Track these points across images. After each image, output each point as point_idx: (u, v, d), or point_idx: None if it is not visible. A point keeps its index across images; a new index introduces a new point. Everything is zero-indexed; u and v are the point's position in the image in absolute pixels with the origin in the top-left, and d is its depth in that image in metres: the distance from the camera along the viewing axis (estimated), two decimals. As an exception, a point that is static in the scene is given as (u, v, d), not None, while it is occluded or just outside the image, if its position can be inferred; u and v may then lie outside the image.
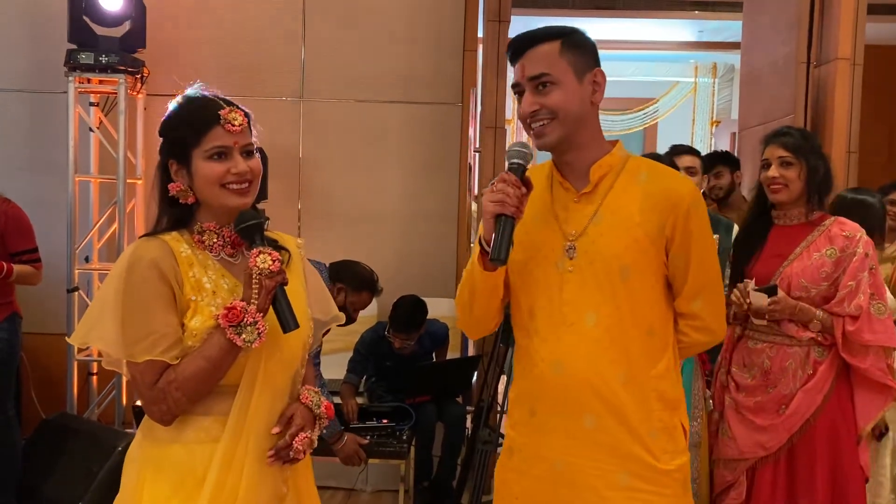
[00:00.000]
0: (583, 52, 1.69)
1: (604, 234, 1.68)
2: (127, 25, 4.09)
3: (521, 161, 1.63)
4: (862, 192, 3.19)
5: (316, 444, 1.67)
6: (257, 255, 1.52)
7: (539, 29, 1.70)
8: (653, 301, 1.70)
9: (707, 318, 1.74)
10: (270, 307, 1.54)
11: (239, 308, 1.50)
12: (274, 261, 1.52)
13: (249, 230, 1.57)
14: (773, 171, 2.53)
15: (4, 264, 3.39)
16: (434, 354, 4.07)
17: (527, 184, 1.63)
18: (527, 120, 1.69)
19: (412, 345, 3.80)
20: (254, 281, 1.52)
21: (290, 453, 1.60)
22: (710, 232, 1.74)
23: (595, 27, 8.39)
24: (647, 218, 1.67)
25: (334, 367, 3.87)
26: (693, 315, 1.73)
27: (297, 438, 1.60)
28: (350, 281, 3.37)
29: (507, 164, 1.65)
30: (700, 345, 1.81)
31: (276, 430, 1.59)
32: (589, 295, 1.67)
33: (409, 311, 3.77)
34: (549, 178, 1.78)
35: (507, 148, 1.64)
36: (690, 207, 1.68)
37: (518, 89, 1.71)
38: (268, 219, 1.70)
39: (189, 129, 1.57)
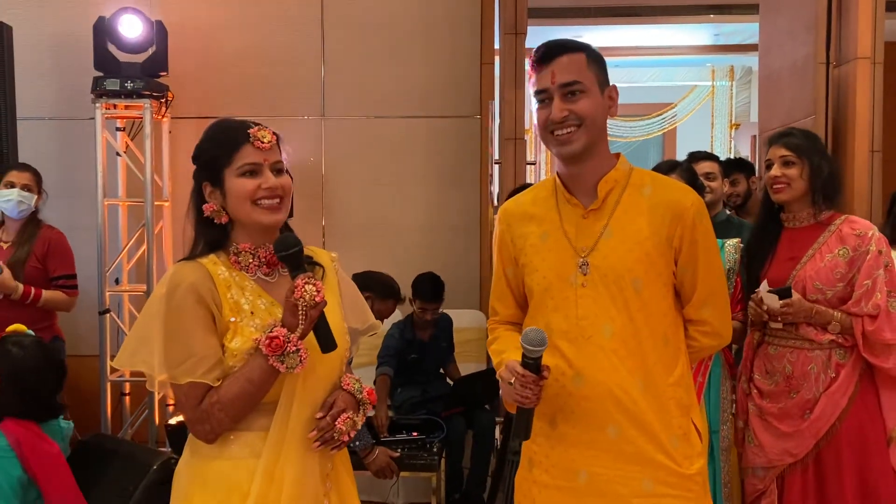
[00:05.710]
0: (602, 67, 1.74)
1: (615, 248, 1.71)
2: (150, 51, 4.18)
3: (537, 354, 1.63)
4: None
5: (360, 426, 1.67)
6: (303, 286, 1.53)
7: (565, 39, 1.74)
8: (665, 310, 1.74)
9: (715, 323, 1.79)
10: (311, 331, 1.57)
11: (282, 338, 1.53)
12: (318, 290, 1.54)
13: (293, 257, 1.58)
14: (776, 171, 2.53)
15: (32, 290, 3.42)
16: (449, 369, 4.10)
17: (542, 373, 1.66)
18: (550, 127, 1.70)
19: (434, 322, 3.93)
20: (300, 312, 1.53)
21: (334, 434, 1.61)
22: (714, 239, 1.79)
23: (612, 34, 8.38)
24: (655, 231, 1.71)
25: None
26: (702, 321, 1.78)
27: (339, 419, 1.61)
28: (377, 289, 3.45)
29: (522, 349, 1.64)
30: (709, 349, 1.86)
31: (319, 414, 1.61)
32: (604, 308, 1.71)
33: (432, 280, 3.94)
34: (554, 195, 1.80)
35: (523, 334, 1.64)
36: (695, 218, 1.72)
37: (544, 95, 1.70)
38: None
39: (220, 149, 1.62)
